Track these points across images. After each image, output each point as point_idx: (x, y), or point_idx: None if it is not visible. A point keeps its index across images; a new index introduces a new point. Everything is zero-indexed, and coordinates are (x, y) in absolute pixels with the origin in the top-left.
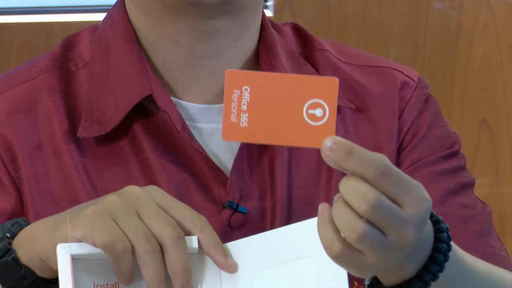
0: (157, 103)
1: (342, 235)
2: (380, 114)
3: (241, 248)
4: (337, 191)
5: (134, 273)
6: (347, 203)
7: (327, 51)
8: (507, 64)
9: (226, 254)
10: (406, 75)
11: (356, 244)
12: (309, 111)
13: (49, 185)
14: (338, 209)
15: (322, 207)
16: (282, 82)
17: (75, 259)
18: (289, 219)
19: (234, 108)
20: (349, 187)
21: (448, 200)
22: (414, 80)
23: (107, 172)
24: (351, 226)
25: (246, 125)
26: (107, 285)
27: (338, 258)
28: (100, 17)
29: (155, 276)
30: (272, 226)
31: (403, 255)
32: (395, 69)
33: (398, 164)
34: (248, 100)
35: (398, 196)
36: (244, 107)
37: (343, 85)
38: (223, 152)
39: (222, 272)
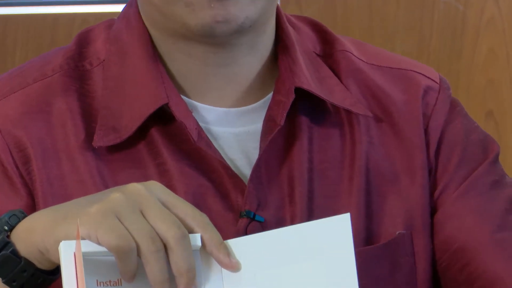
0: (173, 113)
1: None
2: (405, 124)
3: (245, 246)
4: (358, 202)
5: (137, 270)
6: None
7: (349, 51)
8: None
9: (229, 253)
10: (428, 77)
11: None
12: None
13: (63, 189)
14: None
15: None
16: None
17: None
18: None
19: None
20: None
21: (508, 221)
22: (436, 82)
23: (122, 176)
24: None
25: None
26: (110, 282)
27: None
28: (105, 8)
29: (159, 275)
30: None
31: None
32: (417, 72)
33: (435, 179)
34: None
35: None
36: None
37: (366, 92)
38: (239, 157)
39: (224, 269)
